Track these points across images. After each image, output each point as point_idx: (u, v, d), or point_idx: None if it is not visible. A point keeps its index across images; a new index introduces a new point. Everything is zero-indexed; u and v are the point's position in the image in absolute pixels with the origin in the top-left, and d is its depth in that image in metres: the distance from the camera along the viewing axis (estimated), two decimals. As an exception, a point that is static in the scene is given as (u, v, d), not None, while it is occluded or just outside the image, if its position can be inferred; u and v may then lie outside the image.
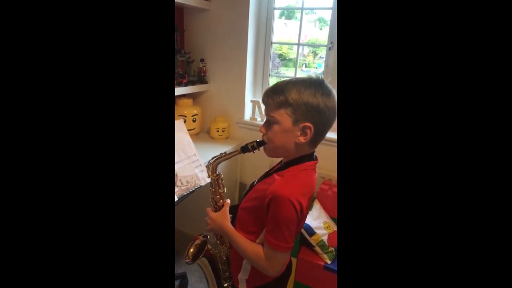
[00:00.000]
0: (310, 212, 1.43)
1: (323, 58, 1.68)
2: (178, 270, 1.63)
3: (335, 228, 1.45)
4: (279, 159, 0.81)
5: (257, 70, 1.80)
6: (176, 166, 1.18)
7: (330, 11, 1.54)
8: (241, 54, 1.68)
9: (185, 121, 1.73)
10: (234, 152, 0.79)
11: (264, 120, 0.74)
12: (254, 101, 1.76)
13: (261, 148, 0.76)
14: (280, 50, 1.89)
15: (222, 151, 0.83)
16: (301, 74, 1.75)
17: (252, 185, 0.82)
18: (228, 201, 0.86)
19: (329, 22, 1.57)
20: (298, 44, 1.68)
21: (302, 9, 1.62)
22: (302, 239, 1.38)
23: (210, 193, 0.86)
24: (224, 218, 0.80)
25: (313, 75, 0.69)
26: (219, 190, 0.85)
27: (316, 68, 1.91)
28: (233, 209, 0.85)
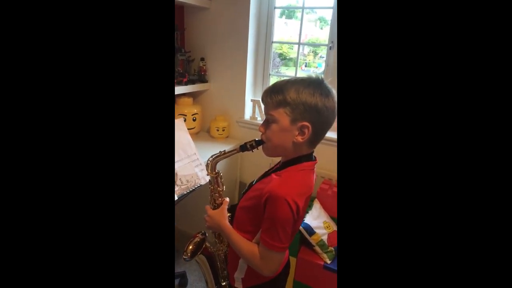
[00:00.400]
0: (310, 212, 1.43)
1: (323, 57, 1.68)
2: (178, 269, 1.63)
3: (335, 228, 1.46)
4: (279, 159, 0.81)
5: (257, 69, 1.80)
6: (176, 165, 1.18)
7: (331, 10, 1.54)
8: (241, 53, 1.68)
9: (185, 120, 1.73)
10: (233, 150, 0.79)
11: (264, 119, 0.74)
12: (254, 100, 1.76)
13: (260, 147, 0.76)
14: (280, 49, 1.89)
15: (222, 150, 0.83)
16: (302, 73, 1.75)
17: (251, 185, 0.83)
18: (227, 199, 0.86)
19: (329, 22, 1.57)
20: (299, 44, 1.68)
21: (302, 8, 1.62)
22: (302, 238, 1.38)
23: (209, 191, 0.86)
24: (222, 216, 0.80)
25: (313, 75, 0.69)
26: (218, 188, 0.85)
27: (317, 67, 1.90)
28: (232, 208, 0.85)
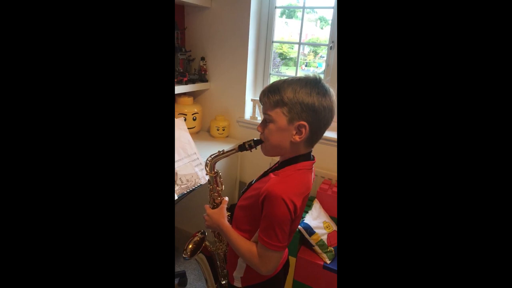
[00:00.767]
0: (310, 212, 1.43)
1: (323, 57, 1.68)
2: (177, 268, 1.63)
3: (335, 228, 1.46)
4: (278, 158, 0.81)
5: (257, 69, 1.80)
6: (176, 165, 1.18)
7: (331, 10, 1.54)
8: (242, 52, 1.68)
9: (185, 120, 1.73)
10: (231, 150, 0.79)
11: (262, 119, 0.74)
12: (254, 100, 1.76)
13: (259, 147, 0.76)
14: (280, 49, 1.89)
15: (221, 150, 0.83)
16: (302, 73, 1.75)
17: (251, 184, 0.83)
18: (226, 198, 0.86)
19: (330, 22, 1.57)
20: (299, 43, 1.68)
21: (303, 8, 1.62)
22: (302, 238, 1.38)
23: (208, 190, 0.86)
24: (221, 215, 0.81)
25: (311, 74, 0.69)
26: (217, 188, 0.85)
27: (317, 67, 1.90)
28: (232, 208, 0.85)
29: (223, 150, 0.81)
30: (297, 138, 0.68)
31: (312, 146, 0.74)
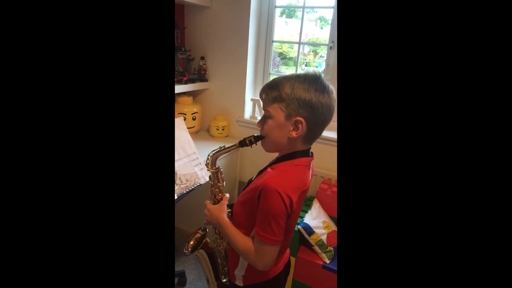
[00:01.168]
0: (309, 212, 1.43)
1: (323, 57, 1.68)
2: (177, 267, 1.63)
3: (334, 228, 1.46)
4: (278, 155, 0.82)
5: (257, 68, 1.80)
6: (176, 164, 1.18)
7: (331, 10, 1.53)
8: (241, 52, 1.68)
9: (185, 119, 1.72)
10: (232, 146, 0.79)
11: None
12: (254, 99, 1.76)
13: (259, 144, 0.77)
14: (280, 48, 1.89)
15: (222, 146, 0.83)
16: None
17: (250, 181, 0.83)
18: (227, 195, 0.86)
19: (330, 21, 1.57)
20: (299, 43, 1.68)
21: (303, 7, 1.62)
22: (301, 238, 1.38)
23: (210, 186, 0.86)
24: (221, 210, 0.81)
25: (311, 71, 0.69)
26: (218, 184, 0.85)
27: (317, 67, 1.90)
28: (231, 207, 0.85)
29: (224, 146, 0.81)
30: (294, 134, 0.68)
31: (311, 143, 0.74)
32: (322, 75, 0.70)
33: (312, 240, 1.36)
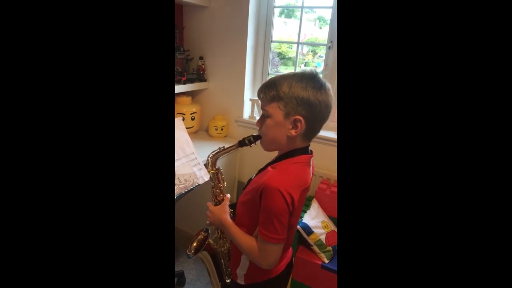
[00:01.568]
0: (308, 211, 1.43)
1: (322, 57, 1.68)
2: (176, 268, 1.63)
3: (333, 228, 1.46)
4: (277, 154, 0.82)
5: (256, 68, 1.80)
6: (175, 164, 1.17)
7: (330, 10, 1.54)
8: (240, 52, 1.68)
9: (183, 119, 1.72)
10: (232, 146, 0.80)
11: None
12: (253, 99, 1.76)
13: (258, 145, 0.77)
14: (279, 48, 1.89)
15: (221, 147, 0.83)
16: (301, 73, 1.74)
17: (250, 180, 0.84)
18: (228, 195, 0.86)
19: (328, 21, 1.57)
20: (298, 43, 1.68)
21: (302, 7, 1.62)
22: (300, 238, 1.38)
23: (210, 188, 0.86)
24: (223, 211, 0.81)
25: (307, 69, 0.70)
26: (219, 185, 0.86)
27: (316, 67, 1.90)
28: (232, 207, 0.85)
29: (223, 147, 0.82)
30: (293, 132, 0.68)
31: (310, 140, 0.74)
32: (320, 74, 0.70)
33: (311, 240, 1.36)
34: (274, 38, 1.74)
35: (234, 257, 0.86)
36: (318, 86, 0.66)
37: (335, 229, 1.46)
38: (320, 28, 1.77)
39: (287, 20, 1.83)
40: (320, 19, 1.76)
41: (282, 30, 1.81)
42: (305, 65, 1.90)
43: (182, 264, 1.67)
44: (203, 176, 1.22)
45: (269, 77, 1.80)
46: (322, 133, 1.55)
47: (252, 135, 0.76)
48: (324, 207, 1.51)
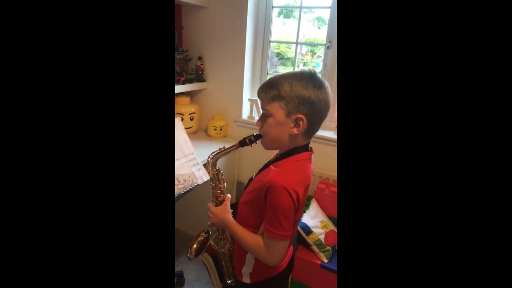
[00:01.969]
0: (307, 211, 1.43)
1: (321, 57, 1.68)
2: (175, 268, 1.63)
3: (332, 227, 1.46)
4: (277, 153, 0.82)
5: (255, 68, 1.80)
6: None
7: (329, 10, 1.54)
8: (239, 52, 1.68)
9: (182, 119, 1.72)
10: (232, 146, 0.80)
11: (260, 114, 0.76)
12: (252, 99, 1.76)
13: (258, 145, 0.77)
14: (278, 48, 1.89)
15: (221, 147, 0.83)
16: (299, 73, 1.74)
17: (251, 179, 0.84)
18: (229, 195, 0.87)
19: (327, 21, 1.57)
20: (296, 43, 1.68)
21: (300, 8, 1.62)
22: (299, 238, 1.38)
23: (211, 188, 0.87)
24: (225, 211, 0.82)
25: (306, 69, 0.72)
26: (219, 185, 0.86)
27: (314, 67, 1.90)
28: (233, 207, 0.85)
29: (223, 147, 0.82)
30: (295, 130, 0.70)
31: (310, 138, 0.76)
32: (319, 74, 0.71)
33: (310, 239, 1.36)
34: (273, 38, 1.74)
35: (238, 256, 0.86)
36: (318, 85, 0.68)
37: (334, 229, 1.46)
38: (319, 28, 1.77)
39: (286, 20, 1.83)
40: (319, 19, 1.76)
41: (281, 30, 1.81)
42: (303, 65, 1.90)
43: (181, 264, 1.66)
44: (202, 176, 1.22)
45: (268, 77, 1.80)
46: (321, 133, 1.56)
47: (253, 135, 0.77)
48: (323, 207, 1.51)
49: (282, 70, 1.94)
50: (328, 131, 1.58)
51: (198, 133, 1.90)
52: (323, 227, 1.42)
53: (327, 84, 0.70)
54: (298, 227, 1.36)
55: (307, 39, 1.81)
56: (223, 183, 0.87)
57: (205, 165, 1.22)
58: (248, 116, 1.80)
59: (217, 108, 1.86)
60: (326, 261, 1.37)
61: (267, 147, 0.77)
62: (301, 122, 0.69)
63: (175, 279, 1.57)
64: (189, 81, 1.70)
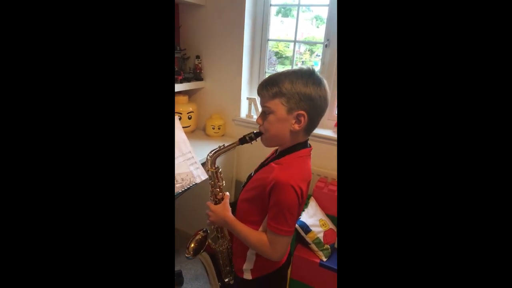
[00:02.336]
0: (306, 210, 1.43)
1: (319, 56, 1.68)
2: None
3: (331, 226, 1.46)
4: (272, 150, 0.82)
5: (253, 67, 1.79)
6: (171, 164, 1.17)
7: (327, 8, 1.53)
8: (237, 51, 1.67)
9: (180, 118, 1.72)
10: (232, 144, 0.81)
11: (260, 112, 0.77)
12: (250, 98, 1.75)
13: (259, 142, 0.78)
14: (276, 47, 1.88)
15: (221, 145, 0.83)
16: (298, 71, 1.74)
17: (250, 177, 0.84)
18: (227, 193, 0.86)
19: (325, 20, 1.57)
20: (295, 42, 1.68)
21: (298, 5, 1.62)
22: (298, 236, 1.38)
23: (210, 187, 0.86)
24: (225, 209, 0.82)
25: (304, 67, 0.73)
26: (218, 183, 0.86)
27: (313, 65, 1.90)
28: (232, 205, 0.85)
29: (223, 145, 0.82)
30: (296, 127, 0.71)
31: (309, 134, 0.77)
32: (317, 71, 0.72)
33: (308, 238, 1.36)
34: (271, 37, 1.73)
35: (238, 254, 0.87)
36: (317, 82, 0.70)
37: (333, 227, 1.46)
38: (317, 27, 1.77)
39: (284, 19, 1.83)
40: (317, 18, 1.76)
41: (279, 29, 1.81)
42: (302, 64, 1.89)
43: (179, 263, 1.66)
44: (200, 175, 1.22)
45: (266, 75, 1.80)
46: (319, 131, 1.55)
47: (253, 132, 0.77)
48: (321, 205, 1.51)
49: (281, 69, 1.94)
50: (326, 130, 1.58)
51: (196, 132, 1.89)
52: (322, 225, 1.42)
53: (325, 81, 0.72)
54: (297, 225, 1.35)
55: (305, 38, 1.81)
56: (222, 181, 0.87)
57: (203, 164, 1.21)
58: (246, 115, 1.79)
59: (215, 107, 1.85)
60: (325, 259, 1.37)
61: (268, 144, 0.78)
62: (302, 118, 0.70)
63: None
64: (187, 80, 1.69)
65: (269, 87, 0.71)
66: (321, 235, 1.39)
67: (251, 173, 0.84)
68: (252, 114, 1.77)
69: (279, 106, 0.70)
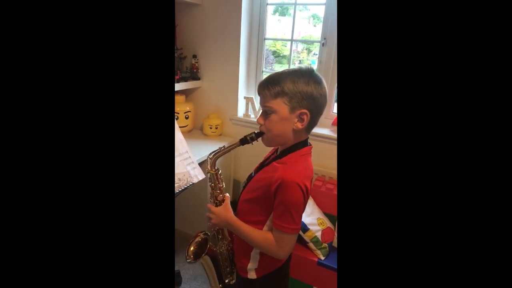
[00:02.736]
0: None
1: (316, 55, 1.68)
2: (172, 268, 1.62)
3: (329, 224, 1.46)
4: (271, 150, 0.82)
5: (250, 66, 1.79)
6: (168, 164, 1.16)
7: (323, 7, 1.53)
8: (234, 50, 1.67)
9: (177, 118, 1.71)
10: (233, 145, 0.80)
11: (260, 111, 0.77)
12: (247, 97, 1.75)
13: (259, 143, 0.78)
14: (274, 46, 1.88)
15: (215, 148, 0.83)
16: (295, 70, 1.74)
17: (251, 177, 0.84)
18: (227, 194, 0.86)
19: (322, 19, 1.56)
20: (292, 40, 1.68)
21: (295, 4, 1.61)
22: (296, 235, 1.38)
23: (210, 189, 0.86)
24: (227, 210, 0.82)
25: (303, 66, 0.74)
26: (219, 185, 0.85)
27: (310, 64, 1.90)
28: (232, 205, 0.85)
29: (224, 146, 0.82)
30: (299, 125, 0.72)
31: (310, 132, 0.78)
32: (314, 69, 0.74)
33: (306, 237, 1.37)
34: (268, 36, 1.73)
35: (242, 254, 0.86)
36: (318, 81, 0.71)
37: (331, 226, 1.46)
38: (314, 26, 1.76)
39: (281, 18, 1.82)
40: (314, 16, 1.76)
41: (276, 28, 1.81)
42: (299, 63, 1.89)
43: (178, 263, 1.66)
44: (197, 175, 1.22)
45: (264, 75, 1.79)
46: (317, 130, 1.56)
47: (254, 132, 0.77)
48: (319, 204, 1.51)
49: (278, 68, 1.94)
50: (324, 128, 1.58)
51: (194, 131, 1.89)
52: (320, 224, 1.42)
53: (324, 80, 0.73)
54: (295, 224, 1.36)
55: (302, 37, 1.81)
56: (222, 182, 0.86)
57: (200, 164, 1.21)
58: (244, 114, 1.79)
59: (212, 106, 1.85)
60: (323, 258, 1.37)
61: (269, 144, 0.78)
62: (305, 117, 0.71)
63: (172, 278, 1.56)
64: (184, 79, 1.69)
65: (271, 87, 0.71)
66: (319, 234, 1.39)
67: (251, 173, 0.84)
68: (249, 113, 1.77)
69: (281, 106, 0.70)
